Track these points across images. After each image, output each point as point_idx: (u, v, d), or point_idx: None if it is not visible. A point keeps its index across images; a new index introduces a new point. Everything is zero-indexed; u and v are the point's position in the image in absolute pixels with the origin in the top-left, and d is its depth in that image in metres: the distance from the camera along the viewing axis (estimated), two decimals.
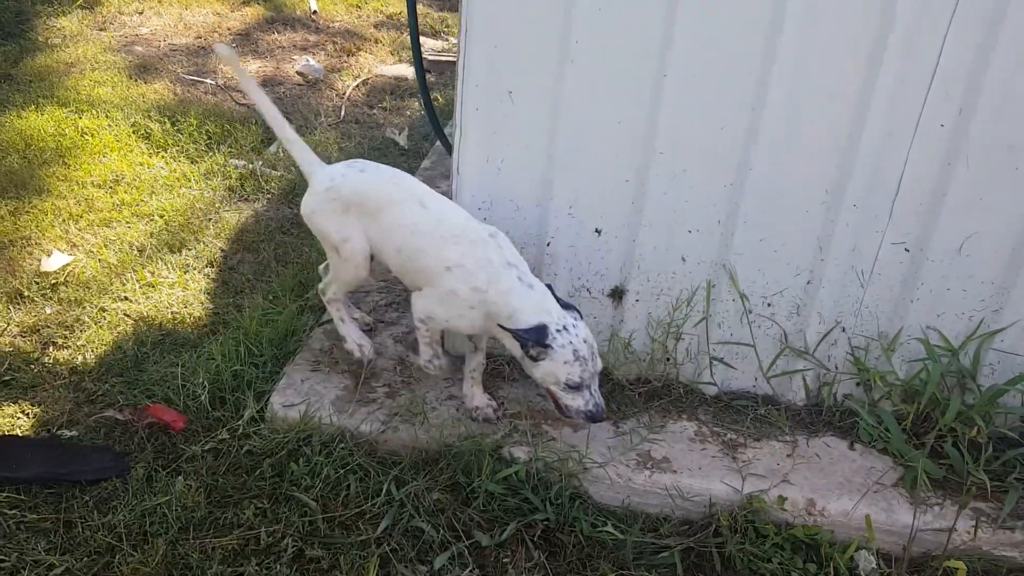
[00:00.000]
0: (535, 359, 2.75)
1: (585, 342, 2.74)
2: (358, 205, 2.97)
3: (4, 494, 2.79)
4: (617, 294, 3.28)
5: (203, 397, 3.19)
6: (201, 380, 3.24)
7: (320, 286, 3.32)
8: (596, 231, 3.16)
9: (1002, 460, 3.04)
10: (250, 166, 5.15)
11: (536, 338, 2.70)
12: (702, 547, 2.83)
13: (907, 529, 2.82)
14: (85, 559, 2.60)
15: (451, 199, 3.11)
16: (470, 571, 2.69)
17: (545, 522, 2.83)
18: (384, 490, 2.87)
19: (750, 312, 3.21)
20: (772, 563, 2.74)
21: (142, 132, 5.38)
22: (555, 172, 3.06)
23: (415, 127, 6.07)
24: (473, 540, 2.78)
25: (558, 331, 2.72)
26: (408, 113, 6.36)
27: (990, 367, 3.17)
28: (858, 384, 3.28)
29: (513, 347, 2.81)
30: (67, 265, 4.03)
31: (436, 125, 3.90)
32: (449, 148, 3.36)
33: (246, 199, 4.92)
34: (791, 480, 2.97)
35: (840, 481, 2.99)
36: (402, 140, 5.78)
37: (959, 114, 2.76)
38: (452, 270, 2.81)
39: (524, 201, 3.14)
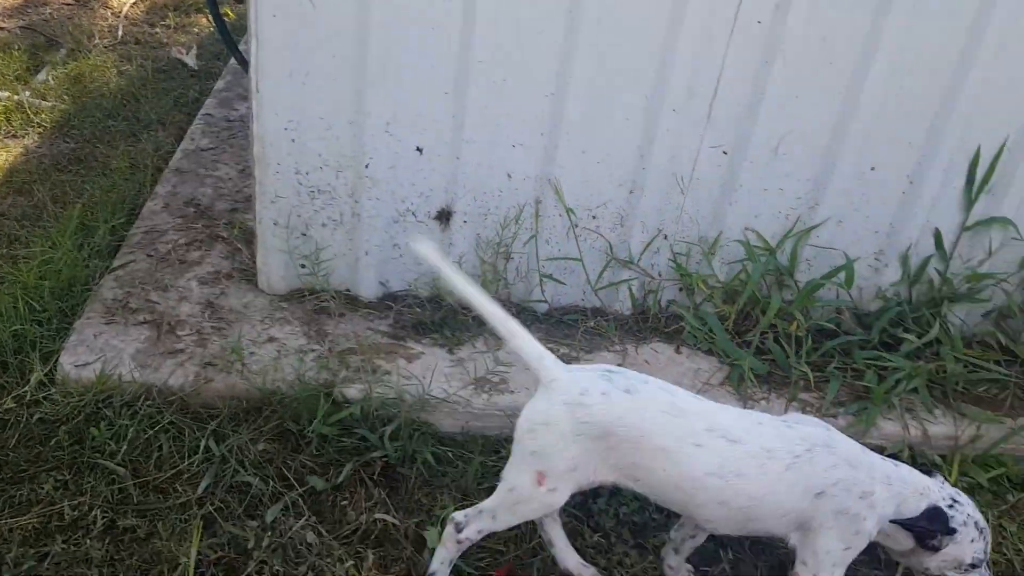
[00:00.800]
0: (938, 548, 2.26)
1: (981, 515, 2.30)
2: (615, 438, 2.13)
3: None
4: (444, 216, 3.12)
5: None
6: None
7: (458, 515, 2.28)
8: (417, 149, 2.97)
9: (821, 351, 3.17)
10: (16, 97, 4.52)
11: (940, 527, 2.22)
12: None
13: None
14: None
15: (253, 121, 2.81)
16: (306, 519, 2.52)
17: (384, 459, 2.70)
18: (202, 447, 2.62)
19: (576, 226, 3.15)
20: None
21: None
22: (368, 85, 2.82)
23: (205, 45, 5.54)
24: (307, 487, 2.60)
25: (949, 507, 2.24)
26: (196, 30, 5.81)
27: (807, 263, 3.27)
28: (681, 289, 3.31)
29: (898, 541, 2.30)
30: None
31: (228, 39, 3.54)
32: (246, 65, 3.03)
33: (13, 135, 4.33)
34: None
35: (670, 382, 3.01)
36: (190, 60, 5.27)
37: (776, 9, 2.75)
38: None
39: (336, 119, 2.89)
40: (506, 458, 2.73)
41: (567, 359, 3.06)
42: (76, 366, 2.77)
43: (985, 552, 2.27)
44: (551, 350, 3.03)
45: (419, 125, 2.92)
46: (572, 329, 3.25)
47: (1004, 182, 3.11)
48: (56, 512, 2.41)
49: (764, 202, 3.13)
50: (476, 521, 2.23)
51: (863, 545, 2.20)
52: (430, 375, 2.90)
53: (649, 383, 2.21)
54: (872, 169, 3.06)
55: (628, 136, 2.97)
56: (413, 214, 3.10)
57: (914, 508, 2.19)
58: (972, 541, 2.23)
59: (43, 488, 2.47)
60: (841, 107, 2.94)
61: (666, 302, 3.35)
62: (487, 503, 2.24)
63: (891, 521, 2.19)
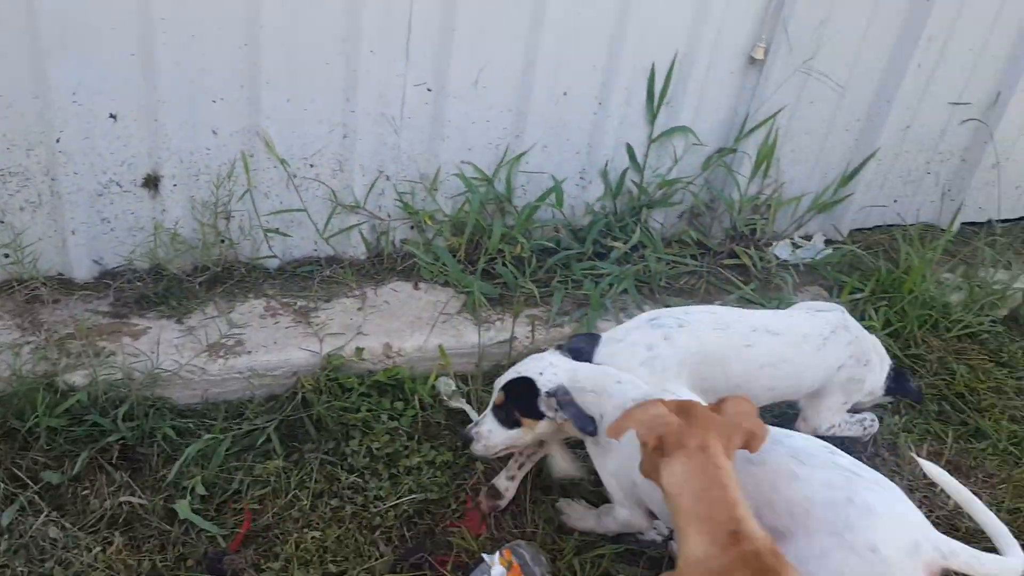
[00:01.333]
0: None
1: None
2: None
3: None
4: (151, 182, 3.00)
5: None
6: None
7: None
8: (111, 116, 2.82)
9: (545, 268, 3.40)
10: None
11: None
12: (292, 416, 2.82)
13: (475, 348, 3.07)
14: None
15: None
16: (46, 515, 2.40)
17: (121, 441, 2.61)
18: None
19: (294, 176, 3.14)
20: (361, 412, 2.82)
21: None
22: (46, 55, 2.64)
23: None
24: (43, 483, 2.48)
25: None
26: None
27: (522, 188, 3.47)
28: (412, 227, 3.42)
29: None
30: None
31: None
32: None
33: None
34: (365, 331, 3.04)
35: (411, 320, 3.13)
36: None
37: None
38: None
39: (17, 95, 2.69)
40: (251, 419, 2.77)
41: (305, 311, 3.10)
42: None
43: None
44: (288, 304, 3.11)
45: (108, 91, 2.78)
46: (308, 281, 3.27)
47: (679, 94, 3.45)
48: None
49: (474, 135, 3.28)
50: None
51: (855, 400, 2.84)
52: (159, 349, 2.82)
53: (691, 312, 2.60)
54: (565, 94, 3.28)
55: (331, 80, 2.98)
56: (118, 184, 2.95)
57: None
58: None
59: None
60: (528, 37, 3.12)
61: (399, 241, 3.43)
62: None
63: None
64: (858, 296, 3.65)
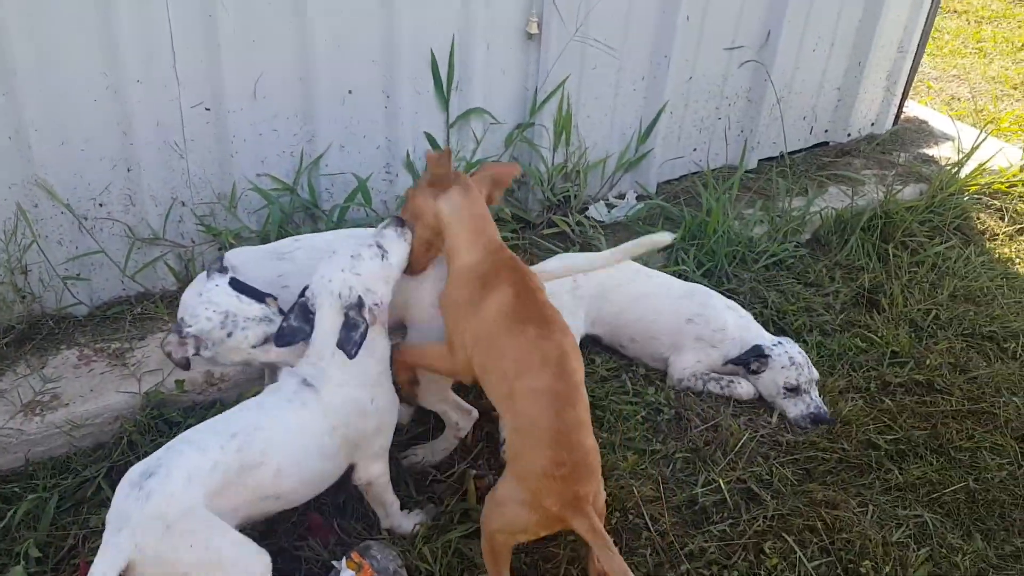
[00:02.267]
0: (758, 372, 3.17)
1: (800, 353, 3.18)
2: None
3: None
4: None
5: None
6: None
7: None
8: None
9: None
10: None
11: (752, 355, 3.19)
12: (121, 461, 2.73)
13: None
14: None
15: None
16: None
17: None
18: None
19: (85, 219, 3.04)
20: None
21: None
22: None
23: None
24: None
25: (774, 346, 3.18)
26: None
27: (327, 192, 3.46)
28: (220, 248, 3.33)
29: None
30: None
31: None
32: None
33: None
34: None
35: None
36: None
37: None
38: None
39: None
40: (79, 471, 2.67)
41: (120, 352, 3.01)
42: None
43: (798, 380, 3.09)
44: (101, 349, 3.01)
45: None
46: (119, 321, 3.17)
47: (467, 77, 3.51)
48: None
49: (265, 146, 3.25)
50: None
51: (712, 363, 3.23)
52: None
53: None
54: (350, 92, 3.29)
55: (103, 117, 2.90)
56: None
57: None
58: (783, 368, 3.10)
59: None
60: (297, 40, 3.11)
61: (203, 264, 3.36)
62: None
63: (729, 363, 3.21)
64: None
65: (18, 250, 2.97)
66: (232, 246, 3.29)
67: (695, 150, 4.55)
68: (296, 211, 3.38)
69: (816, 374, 3.18)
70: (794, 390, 3.12)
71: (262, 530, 2.56)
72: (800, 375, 3.11)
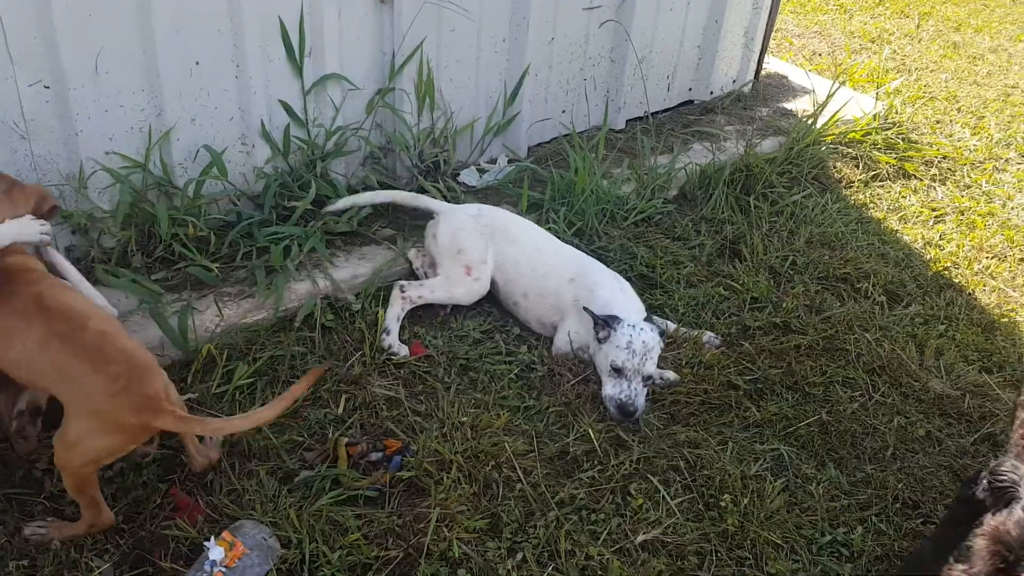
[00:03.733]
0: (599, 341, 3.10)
1: (644, 343, 3.02)
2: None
3: None
4: None
5: None
6: None
7: (402, 282, 3.37)
8: None
9: (227, 242, 3.34)
10: None
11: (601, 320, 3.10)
12: None
13: (164, 343, 2.98)
14: None
15: None
16: None
17: None
18: None
19: None
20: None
21: None
22: None
23: None
24: None
25: (630, 326, 3.05)
26: None
27: (182, 167, 3.35)
28: (74, 232, 3.22)
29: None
30: None
31: None
32: None
33: None
34: None
35: None
36: None
37: None
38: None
39: None
40: None
41: None
42: None
43: (625, 364, 2.97)
44: None
45: None
46: None
47: (320, 43, 3.46)
48: None
49: (111, 122, 3.12)
50: (417, 290, 3.33)
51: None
52: None
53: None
54: (197, 63, 3.20)
55: None
56: None
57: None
58: (618, 347, 3.00)
59: None
60: (137, 13, 3.00)
61: (63, 248, 3.23)
62: (430, 282, 3.37)
63: (584, 308, 3.15)
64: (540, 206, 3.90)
65: None
66: (85, 228, 3.19)
67: (563, 112, 4.61)
68: (150, 188, 3.27)
69: (650, 370, 3.01)
70: (618, 371, 3.00)
71: (127, 512, 2.52)
72: (630, 361, 2.98)
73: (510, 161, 4.32)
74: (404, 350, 3.16)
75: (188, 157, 3.34)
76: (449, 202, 3.74)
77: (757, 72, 5.57)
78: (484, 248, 3.40)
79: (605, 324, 3.07)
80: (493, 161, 4.32)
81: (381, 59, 3.69)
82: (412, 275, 3.55)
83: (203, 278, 3.20)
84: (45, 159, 3.05)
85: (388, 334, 3.19)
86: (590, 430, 2.89)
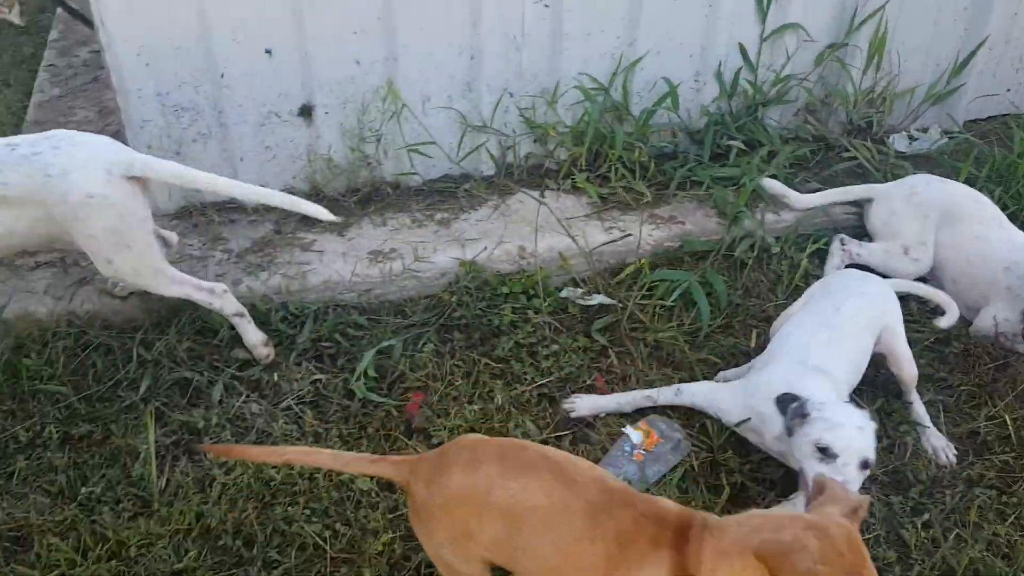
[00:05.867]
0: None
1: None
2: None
3: None
4: (306, 112, 3.33)
5: None
6: None
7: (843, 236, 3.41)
8: (267, 52, 3.16)
9: (663, 170, 3.61)
10: None
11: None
12: (445, 315, 3.12)
13: (602, 247, 3.31)
14: None
15: (105, 53, 2.95)
16: (246, 396, 2.80)
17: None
18: (134, 355, 2.85)
19: (428, 100, 3.43)
20: (504, 310, 3.10)
21: None
22: (207, 1, 3.00)
23: (26, 1, 5.42)
24: (238, 364, 2.88)
25: None
26: None
27: (638, 96, 3.66)
28: (535, 140, 3.65)
29: None
30: None
31: None
32: (72, 12, 3.11)
33: None
34: (503, 237, 3.32)
35: (541, 225, 3.37)
36: (15, 18, 5.17)
37: None
38: None
39: (185, 39, 3.05)
40: (414, 314, 3.09)
41: (447, 221, 3.41)
42: None
43: None
44: (430, 216, 3.41)
45: (263, 29, 3.11)
46: (446, 196, 3.57)
47: None
48: (11, 436, 2.63)
49: (590, 46, 3.48)
50: (857, 248, 3.35)
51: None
52: (328, 259, 3.18)
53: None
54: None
55: (458, 5, 3.23)
56: (276, 115, 3.30)
57: None
58: None
59: None
60: None
61: (524, 155, 3.68)
62: (871, 245, 3.37)
63: None
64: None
65: (372, 121, 3.41)
66: (545, 139, 3.60)
67: (1008, 90, 4.31)
68: (607, 111, 3.61)
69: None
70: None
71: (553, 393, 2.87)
72: None
73: (943, 132, 4.14)
74: None
75: (646, 87, 3.63)
76: (876, 164, 3.71)
77: None
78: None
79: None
80: (924, 130, 4.16)
81: (841, 13, 3.70)
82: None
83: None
84: (530, 72, 3.48)
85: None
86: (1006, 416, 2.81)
